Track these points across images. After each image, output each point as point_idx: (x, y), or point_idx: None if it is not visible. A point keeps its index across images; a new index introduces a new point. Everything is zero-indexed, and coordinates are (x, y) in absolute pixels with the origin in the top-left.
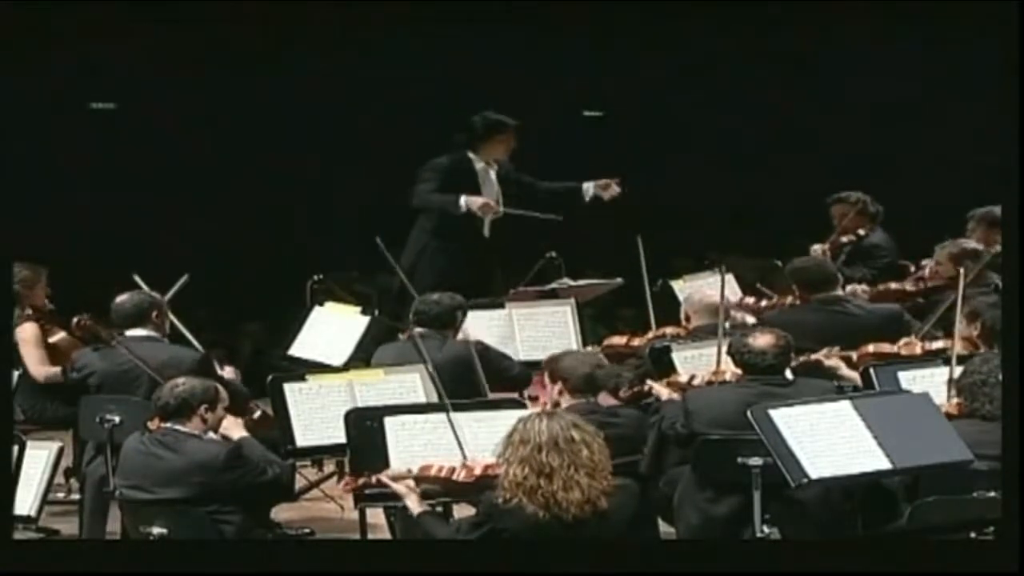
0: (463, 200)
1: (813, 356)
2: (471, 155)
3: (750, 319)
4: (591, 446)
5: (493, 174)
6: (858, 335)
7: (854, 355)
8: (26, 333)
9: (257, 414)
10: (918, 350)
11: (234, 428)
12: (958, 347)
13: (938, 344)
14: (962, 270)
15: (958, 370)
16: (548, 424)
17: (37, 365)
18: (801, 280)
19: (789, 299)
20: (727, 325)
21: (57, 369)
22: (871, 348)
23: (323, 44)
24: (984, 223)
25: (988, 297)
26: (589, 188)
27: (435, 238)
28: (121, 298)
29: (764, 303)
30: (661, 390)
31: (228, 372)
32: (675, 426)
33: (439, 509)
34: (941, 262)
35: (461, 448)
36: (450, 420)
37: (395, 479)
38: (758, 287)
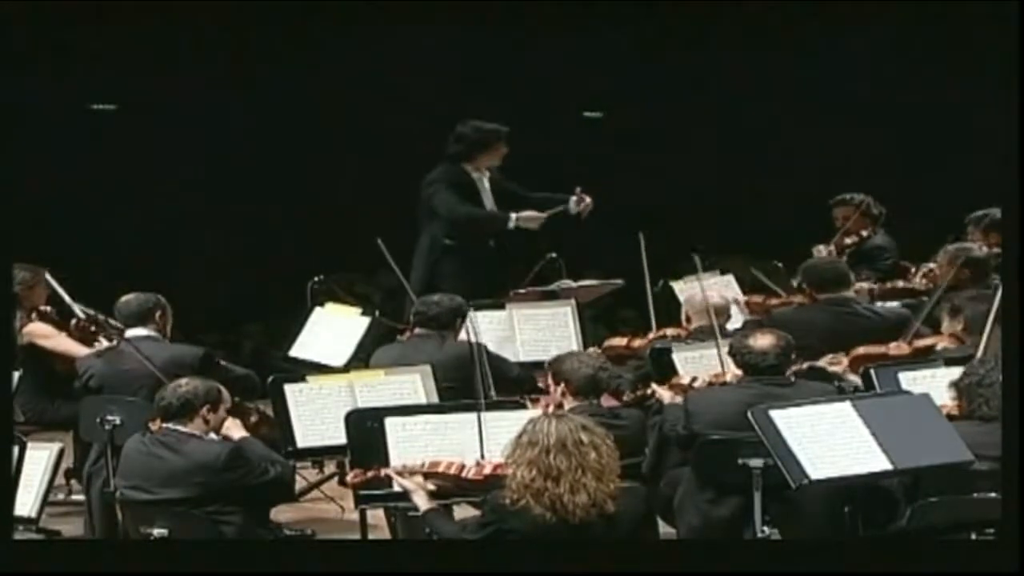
0: (514, 217)
1: (817, 363)
2: (466, 166)
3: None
4: (600, 449)
5: (487, 183)
6: (866, 337)
7: (845, 359)
8: (42, 329)
9: (253, 417)
10: (906, 350)
11: (235, 429)
12: (945, 343)
13: (927, 342)
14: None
15: (942, 372)
16: (557, 426)
17: (76, 347)
18: (812, 279)
19: (798, 298)
20: (739, 322)
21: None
22: (862, 350)
23: (323, 45)
24: (981, 227)
25: (967, 292)
26: (572, 206)
27: (447, 249)
28: (126, 298)
29: (773, 301)
30: (663, 393)
31: None
32: (676, 428)
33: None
34: (942, 264)
35: (468, 449)
36: (478, 418)
37: (403, 473)
38: (765, 283)
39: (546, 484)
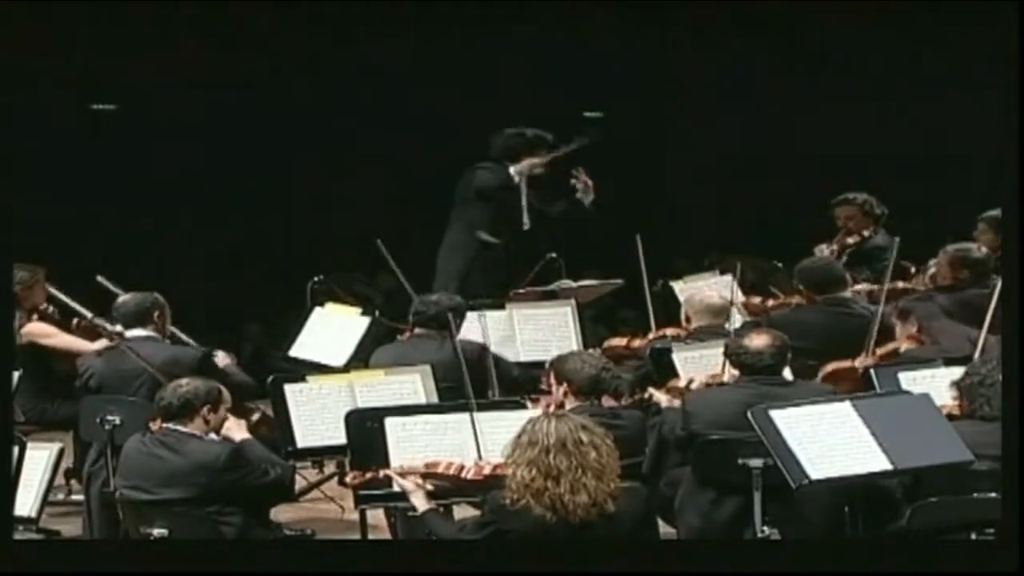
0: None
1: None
2: (509, 166)
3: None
4: (600, 448)
5: (524, 187)
6: (863, 336)
7: (819, 378)
8: (41, 328)
9: (256, 416)
10: (871, 360)
11: (236, 429)
12: (906, 346)
13: (888, 348)
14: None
15: (942, 372)
16: (556, 426)
17: (80, 343)
18: (808, 280)
19: (795, 299)
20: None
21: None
22: (831, 367)
23: (324, 45)
24: (993, 226)
25: (913, 294)
26: (583, 198)
27: (482, 245)
28: (123, 298)
29: (771, 303)
30: (661, 397)
31: (221, 358)
32: (675, 430)
33: (441, 509)
34: (942, 264)
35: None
36: (473, 420)
37: (403, 474)
38: (768, 287)
39: (546, 484)
